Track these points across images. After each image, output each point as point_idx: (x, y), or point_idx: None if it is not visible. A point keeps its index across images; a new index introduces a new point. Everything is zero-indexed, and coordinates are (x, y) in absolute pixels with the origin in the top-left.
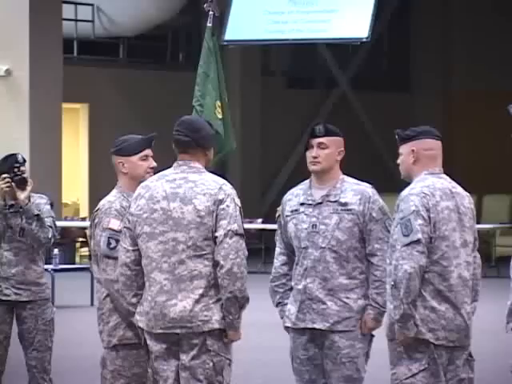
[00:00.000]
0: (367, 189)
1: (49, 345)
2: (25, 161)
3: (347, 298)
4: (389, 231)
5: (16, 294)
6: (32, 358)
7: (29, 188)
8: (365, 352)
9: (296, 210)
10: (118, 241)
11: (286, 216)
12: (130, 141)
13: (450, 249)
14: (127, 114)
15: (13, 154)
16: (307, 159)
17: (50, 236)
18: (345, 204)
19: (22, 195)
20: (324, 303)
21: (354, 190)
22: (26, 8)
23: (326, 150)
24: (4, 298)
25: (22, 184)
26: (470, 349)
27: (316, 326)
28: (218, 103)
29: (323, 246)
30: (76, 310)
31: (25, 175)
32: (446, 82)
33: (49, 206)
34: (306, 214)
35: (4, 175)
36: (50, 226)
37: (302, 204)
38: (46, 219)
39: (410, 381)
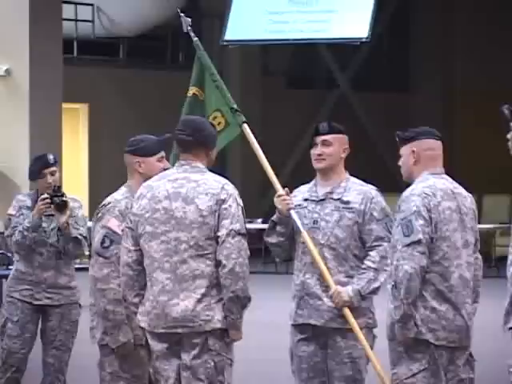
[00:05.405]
0: (371, 190)
1: (69, 346)
2: (56, 161)
3: None
4: (390, 232)
5: (47, 298)
6: (51, 355)
7: (68, 212)
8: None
9: (299, 205)
10: (112, 241)
11: None
12: (148, 141)
13: (451, 249)
14: (127, 114)
15: (44, 155)
16: (312, 157)
17: (83, 250)
18: (347, 202)
19: (61, 219)
20: (320, 299)
21: (357, 190)
22: (25, 8)
23: (330, 147)
24: (36, 302)
25: (61, 208)
26: (471, 349)
27: (312, 321)
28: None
29: (322, 242)
30: None
31: (65, 198)
32: (446, 81)
33: (82, 211)
34: (308, 210)
35: (44, 195)
36: (85, 237)
37: (305, 200)
38: (81, 228)
39: (410, 381)
